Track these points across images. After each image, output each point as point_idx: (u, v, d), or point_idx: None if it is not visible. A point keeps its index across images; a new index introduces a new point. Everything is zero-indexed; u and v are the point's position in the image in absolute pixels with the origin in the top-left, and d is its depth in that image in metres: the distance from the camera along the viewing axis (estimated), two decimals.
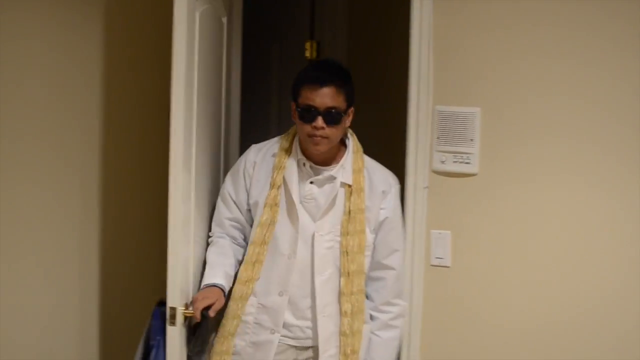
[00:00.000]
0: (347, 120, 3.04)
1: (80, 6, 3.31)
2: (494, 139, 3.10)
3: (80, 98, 3.36)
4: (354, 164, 3.06)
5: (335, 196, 3.03)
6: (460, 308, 3.17)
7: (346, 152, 3.09)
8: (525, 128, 3.06)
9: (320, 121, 2.92)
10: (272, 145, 3.14)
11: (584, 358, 3.03)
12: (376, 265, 3.12)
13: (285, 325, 3.06)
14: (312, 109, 2.93)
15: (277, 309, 3.04)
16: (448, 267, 3.17)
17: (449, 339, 3.20)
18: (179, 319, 2.92)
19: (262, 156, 3.11)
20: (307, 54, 4.71)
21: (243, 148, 3.95)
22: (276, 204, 3.03)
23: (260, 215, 3.04)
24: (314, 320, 3.05)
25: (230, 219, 3.14)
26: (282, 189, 3.04)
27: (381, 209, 3.08)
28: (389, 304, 3.14)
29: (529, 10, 3.03)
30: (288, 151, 3.07)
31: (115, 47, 3.44)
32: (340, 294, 3.03)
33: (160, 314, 3.02)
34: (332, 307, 3.04)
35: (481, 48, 3.09)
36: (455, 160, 3.13)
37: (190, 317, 2.95)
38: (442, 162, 3.15)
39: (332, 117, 2.94)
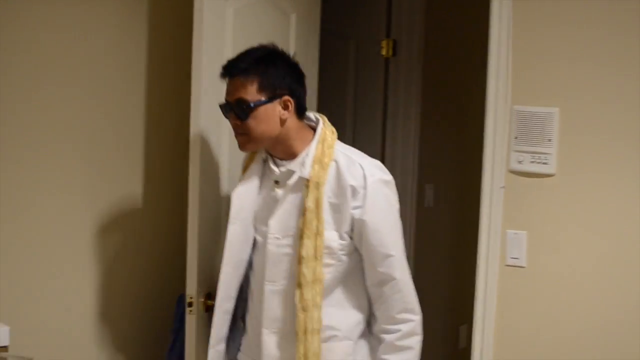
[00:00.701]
0: (275, 112, 2.63)
1: (125, 6, 3.32)
2: (572, 139, 3.07)
3: (124, 99, 3.36)
4: (317, 154, 2.64)
5: (292, 192, 2.67)
6: (534, 309, 3.15)
7: (310, 143, 2.68)
8: (604, 129, 3.03)
9: (231, 117, 2.65)
10: None
11: None
12: (371, 276, 2.70)
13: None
14: (225, 103, 2.66)
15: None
16: (523, 267, 3.15)
17: (522, 339, 3.18)
18: (196, 307, 2.91)
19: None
20: (384, 52, 4.71)
21: None
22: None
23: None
24: (259, 335, 2.73)
25: None
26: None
27: (353, 208, 2.62)
28: (393, 321, 2.69)
29: (610, 10, 2.99)
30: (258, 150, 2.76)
31: (159, 47, 3.44)
32: (296, 309, 2.62)
33: (182, 302, 3.07)
34: (285, 325, 2.68)
35: (561, 47, 3.07)
36: (532, 160, 3.12)
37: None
38: (520, 162, 3.13)
39: (240, 109, 2.60)
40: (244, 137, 2.63)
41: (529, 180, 3.14)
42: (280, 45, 3.25)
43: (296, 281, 2.60)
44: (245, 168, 2.78)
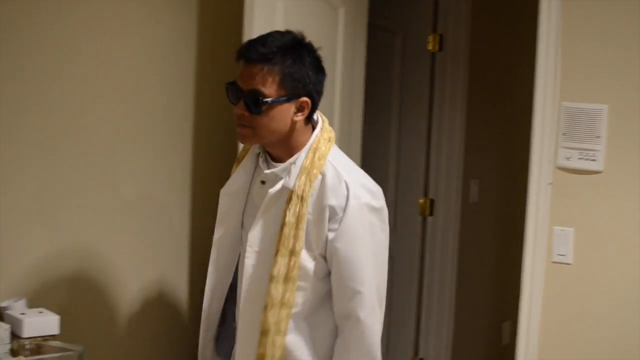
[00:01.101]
0: (289, 113, 2.35)
1: (175, 2, 3.34)
2: (621, 136, 3.05)
3: (172, 98, 3.37)
4: (305, 164, 2.35)
5: (274, 201, 2.38)
6: (581, 306, 3.14)
7: (300, 150, 2.40)
8: None
9: (240, 106, 2.33)
10: None
11: None
12: (337, 307, 2.39)
13: None
14: (237, 88, 2.34)
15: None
16: (570, 264, 3.14)
17: (568, 337, 3.17)
18: None
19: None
20: (430, 47, 4.71)
21: (365, 143, 3.99)
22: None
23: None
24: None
25: None
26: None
27: (330, 230, 2.33)
28: None
29: None
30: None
31: (209, 44, 3.44)
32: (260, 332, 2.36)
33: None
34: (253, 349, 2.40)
35: (610, 44, 3.05)
36: (580, 157, 3.10)
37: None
38: (567, 158, 3.12)
39: (254, 103, 2.30)
40: (248, 130, 2.34)
41: (576, 177, 3.12)
42: (328, 40, 3.26)
43: (266, 302, 2.32)
44: (239, 159, 2.53)
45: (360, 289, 2.32)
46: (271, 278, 2.31)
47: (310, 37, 2.78)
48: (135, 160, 3.23)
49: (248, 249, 2.36)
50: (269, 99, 2.29)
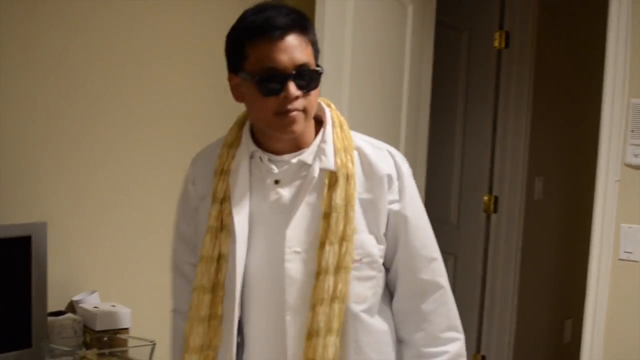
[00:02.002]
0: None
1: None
2: None
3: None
4: (336, 141, 2.06)
5: (310, 191, 2.04)
6: None
7: (323, 128, 2.08)
8: None
9: (293, 87, 1.93)
10: (218, 143, 2.16)
11: None
12: (408, 288, 2.13)
13: None
14: (278, 73, 1.93)
15: None
16: (637, 262, 3.12)
17: (634, 336, 3.15)
18: None
19: (202, 165, 2.17)
20: (496, 44, 4.70)
21: (431, 140, 4.00)
22: (223, 228, 2.06)
23: (202, 248, 2.07)
24: None
25: (195, 266, 2.14)
26: (230, 203, 2.06)
27: (391, 202, 2.08)
28: (438, 342, 2.12)
29: None
30: (233, 146, 2.10)
31: None
32: (306, 335, 2.02)
33: None
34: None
35: None
36: None
37: None
38: (636, 155, 3.10)
39: (309, 77, 1.97)
40: (301, 115, 1.97)
41: None
42: (397, 36, 3.25)
43: (311, 301, 2.00)
44: (221, 170, 2.09)
45: (435, 256, 2.13)
46: (319, 271, 2.00)
47: (380, 34, 2.77)
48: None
49: (287, 250, 2.00)
50: (319, 68, 1.98)
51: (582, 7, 4.85)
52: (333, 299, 1.99)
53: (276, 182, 2.05)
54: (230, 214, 2.03)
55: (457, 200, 4.93)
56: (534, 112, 4.72)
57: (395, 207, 2.08)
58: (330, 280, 1.99)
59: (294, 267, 2.01)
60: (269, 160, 2.05)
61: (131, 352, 2.69)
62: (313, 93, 1.97)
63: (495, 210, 4.82)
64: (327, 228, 2.00)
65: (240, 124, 2.12)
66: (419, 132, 3.75)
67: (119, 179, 3.05)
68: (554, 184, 4.99)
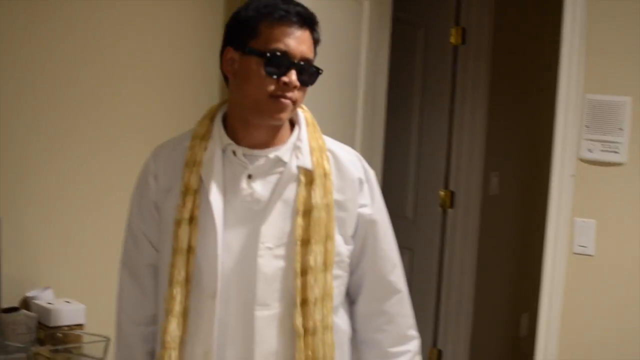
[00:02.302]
0: None
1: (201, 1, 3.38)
2: None
3: (198, 95, 3.41)
4: (311, 141, 2.09)
5: (286, 188, 2.05)
6: (602, 298, 3.15)
7: (297, 127, 2.11)
8: None
9: (295, 76, 1.98)
10: (184, 137, 2.14)
11: None
12: (373, 290, 2.18)
13: None
14: (286, 58, 1.97)
15: None
16: (591, 255, 3.15)
17: (589, 328, 3.18)
18: None
19: (166, 156, 2.13)
20: (452, 40, 4.72)
21: (387, 135, 4.01)
22: (193, 219, 2.03)
23: (173, 239, 2.04)
24: None
25: (147, 266, 2.16)
26: (201, 195, 2.04)
27: (361, 206, 2.12)
28: (403, 340, 2.20)
29: None
30: (205, 138, 2.08)
31: None
32: (295, 335, 2.04)
33: None
34: (282, 358, 2.06)
35: (635, 37, 3.06)
36: (603, 149, 3.11)
37: None
38: (590, 150, 3.13)
39: (310, 74, 2.02)
40: (291, 105, 2.02)
41: (599, 169, 3.13)
42: (353, 32, 3.26)
43: (296, 299, 2.03)
44: (193, 162, 2.06)
45: (397, 262, 2.20)
46: (306, 271, 2.02)
47: (335, 30, 2.77)
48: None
49: (260, 246, 2.01)
50: (320, 69, 2.04)
51: (537, 2, 4.89)
52: (325, 296, 2.04)
53: (249, 176, 2.04)
54: (200, 207, 2.02)
55: (413, 195, 4.94)
56: (490, 107, 4.75)
57: (366, 210, 2.12)
58: (320, 277, 2.03)
59: (266, 262, 2.02)
60: (243, 154, 2.05)
61: (85, 348, 2.69)
62: (305, 90, 2.03)
63: (451, 205, 4.84)
64: (309, 226, 2.02)
65: (211, 117, 2.11)
66: (375, 127, 3.75)
67: (73, 175, 3.03)
68: (510, 178, 5.02)
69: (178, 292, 2.03)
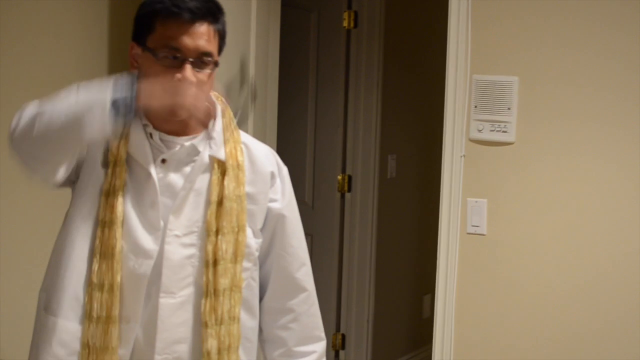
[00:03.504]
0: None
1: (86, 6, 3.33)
2: (531, 108, 3.10)
3: None
4: (225, 132, 2.08)
5: (197, 177, 2.05)
6: (495, 276, 3.19)
7: (213, 118, 2.08)
8: (561, 99, 3.06)
9: (189, 72, 1.94)
10: None
11: (617, 323, 3.04)
12: (281, 286, 2.18)
13: None
14: (178, 55, 1.95)
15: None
16: (484, 235, 3.19)
17: (484, 306, 3.22)
18: None
19: None
20: (345, 24, 4.72)
21: (282, 121, 3.98)
22: (119, 191, 2.01)
23: (99, 209, 2.01)
24: None
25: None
26: (129, 169, 2.03)
27: (271, 200, 2.13)
28: (308, 341, 2.21)
29: None
30: None
31: (119, 44, 3.44)
32: (201, 324, 2.04)
33: None
34: (186, 346, 2.05)
35: (520, 18, 3.09)
36: (492, 129, 3.14)
37: None
38: (479, 130, 3.16)
39: (206, 67, 1.99)
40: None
41: (489, 149, 3.16)
42: (242, 18, 3.22)
43: (205, 289, 2.03)
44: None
45: (307, 261, 2.21)
46: (215, 261, 2.02)
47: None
48: None
49: (168, 233, 2.01)
50: (218, 61, 2.02)
51: None
52: (233, 287, 2.05)
53: (163, 161, 2.02)
54: (122, 178, 2.00)
55: (311, 181, 4.93)
56: (384, 90, 4.77)
57: (276, 205, 2.13)
58: (229, 268, 2.03)
59: (173, 250, 2.02)
60: (160, 139, 2.02)
61: None
62: (208, 83, 1.99)
63: (349, 190, 4.85)
64: (220, 216, 2.03)
65: None
66: (268, 113, 3.73)
67: None
68: (406, 161, 5.05)
69: (105, 265, 1.99)
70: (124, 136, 2.00)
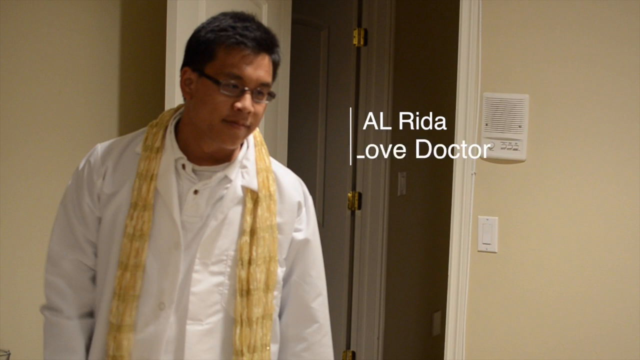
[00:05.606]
0: None
1: (98, 3, 3.35)
2: (542, 126, 3.10)
3: (98, 95, 3.37)
4: (258, 161, 2.11)
5: (229, 207, 2.06)
6: (506, 294, 3.18)
7: (245, 145, 2.10)
8: (572, 117, 3.06)
9: (249, 102, 1.96)
10: (133, 142, 2.12)
11: (631, 340, 3.03)
12: (296, 313, 2.20)
13: None
14: (241, 83, 1.96)
15: None
16: (495, 252, 3.18)
17: (495, 324, 3.21)
18: None
19: (115, 158, 2.11)
20: (355, 41, 4.73)
21: (292, 138, 3.99)
22: (143, 235, 2.03)
23: (120, 253, 2.04)
24: None
25: (88, 241, 2.12)
26: (156, 209, 2.05)
27: (296, 230, 2.15)
28: None
29: (578, 7, 3.03)
30: (159, 151, 2.06)
31: (132, 44, 3.45)
32: (234, 352, 2.06)
33: None
34: None
35: (531, 36, 3.09)
36: (503, 146, 3.14)
37: None
38: (490, 148, 3.16)
39: (263, 98, 2.01)
40: (245, 130, 2.01)
41: (500, 167, 3.16)
42: None
43: (237, 318, 2.05)
44: (149, 175, 2.04)
45: (322, 291, 2.22)
46: (248, 291, 2.05)
47: None
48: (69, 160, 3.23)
49: (196, 261, 2.03)
50: (274, 92, 2.04)
51: (438, 4, 4.93)
52: (265, 315, 2.08)
53: (195, 192, 2.04)
54: (154, 221, 2.02)
55: (321, 198, 4.94)
56: (394, 108, 4.77)
57: (300, 235, 2.14)
58: (261, 298, 2.06)
59: (201, 278, 2.04)
60: (193, 170, 2.05)
61: None
62: (261, 113, 2.01)
63: (359, 207, 4.85)
64: (253, 246, 2.05)
65: (164, 127, 2.09)
66: (279, 130, 3.73)
67: None
68: (416, 178, 5.05)
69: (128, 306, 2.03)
70: (152, 177, 2.03)
